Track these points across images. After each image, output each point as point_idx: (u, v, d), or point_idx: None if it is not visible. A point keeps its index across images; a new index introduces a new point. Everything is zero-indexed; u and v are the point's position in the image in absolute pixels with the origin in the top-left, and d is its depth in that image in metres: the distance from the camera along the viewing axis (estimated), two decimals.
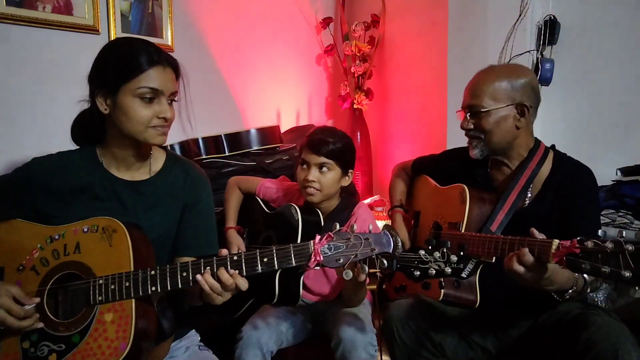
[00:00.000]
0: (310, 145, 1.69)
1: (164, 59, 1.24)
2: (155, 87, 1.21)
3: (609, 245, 1.02)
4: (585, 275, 1.27)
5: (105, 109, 1.24)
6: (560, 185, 1.48)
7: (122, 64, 1.21)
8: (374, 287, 1.90)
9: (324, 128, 1.83)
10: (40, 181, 1.27)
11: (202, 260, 1.14)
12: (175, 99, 1.29)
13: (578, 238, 1.08)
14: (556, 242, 1.13)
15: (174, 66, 1.27)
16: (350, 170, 1.76)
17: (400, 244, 1.11)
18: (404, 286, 1.69)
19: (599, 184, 1.58)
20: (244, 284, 1.14)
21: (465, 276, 1.17)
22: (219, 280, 1.12)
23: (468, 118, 1.54)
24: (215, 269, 1.13)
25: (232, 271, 1.12)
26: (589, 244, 1.05)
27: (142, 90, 1.20)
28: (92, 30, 2.17)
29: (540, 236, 1.19)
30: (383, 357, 1.67)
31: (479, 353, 1.55)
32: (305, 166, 1.71)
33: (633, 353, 1.20)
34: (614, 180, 2.04)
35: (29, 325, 1.14)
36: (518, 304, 1.48)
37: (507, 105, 1.48)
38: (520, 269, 1.18)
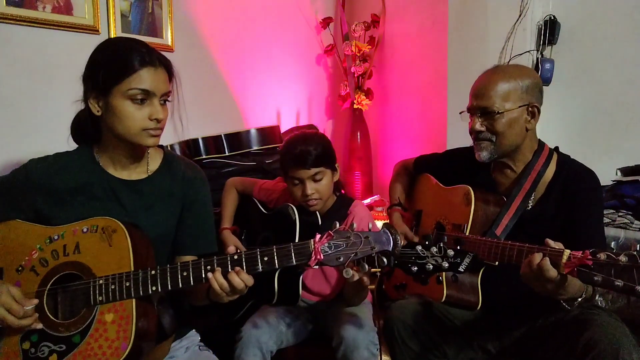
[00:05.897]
0: (295, 161, 1.63)
1: (155, 59, 1.21)
2: (146, 89, 1.19)
3: (623, 258, 1.00)
4: None
5: (98, 111, 1.22)
6: (563, 188, 1.47)
7: (113, 65, 1.19)
8: (374, 286, 1.90)
9: (298, 137, 1.72)
10: (38, 182, 1.27)
11: (202, 260, 1.14)
12: (169, 99, 1.27)
13: (591, 250, 1.06)
14: (567, 252, 1.11)
15: (166, 66, 1.25)
16: (336, 165, 1.74)
17: (399, 242, 1.11)
18: (404, 285, 1.69)
19: None
20: (250, 280, 1.15)
21: (462, 270, 1.15)
22: (229, 281, 1.12)
23: (480, 120, 1.50)
24: (220, 268, 1.13)
25: (243, 274, 1.12)
26: (602, 256, 1.03)
27: (133, 92, 1.18)
28: (92, 30, 2.16)
29: (556, 245, 1.17)
30: (383, 357, 1.67)
31: (480, 354, 1.55)
32: (298, 183, 1.67)
33: (633, 353, 1.19)
34: (614, 180, 2.04)
35: (28, 324, 1.13)
36: (519, 305, 1.48)
37: (519, 107, 1.46)
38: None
